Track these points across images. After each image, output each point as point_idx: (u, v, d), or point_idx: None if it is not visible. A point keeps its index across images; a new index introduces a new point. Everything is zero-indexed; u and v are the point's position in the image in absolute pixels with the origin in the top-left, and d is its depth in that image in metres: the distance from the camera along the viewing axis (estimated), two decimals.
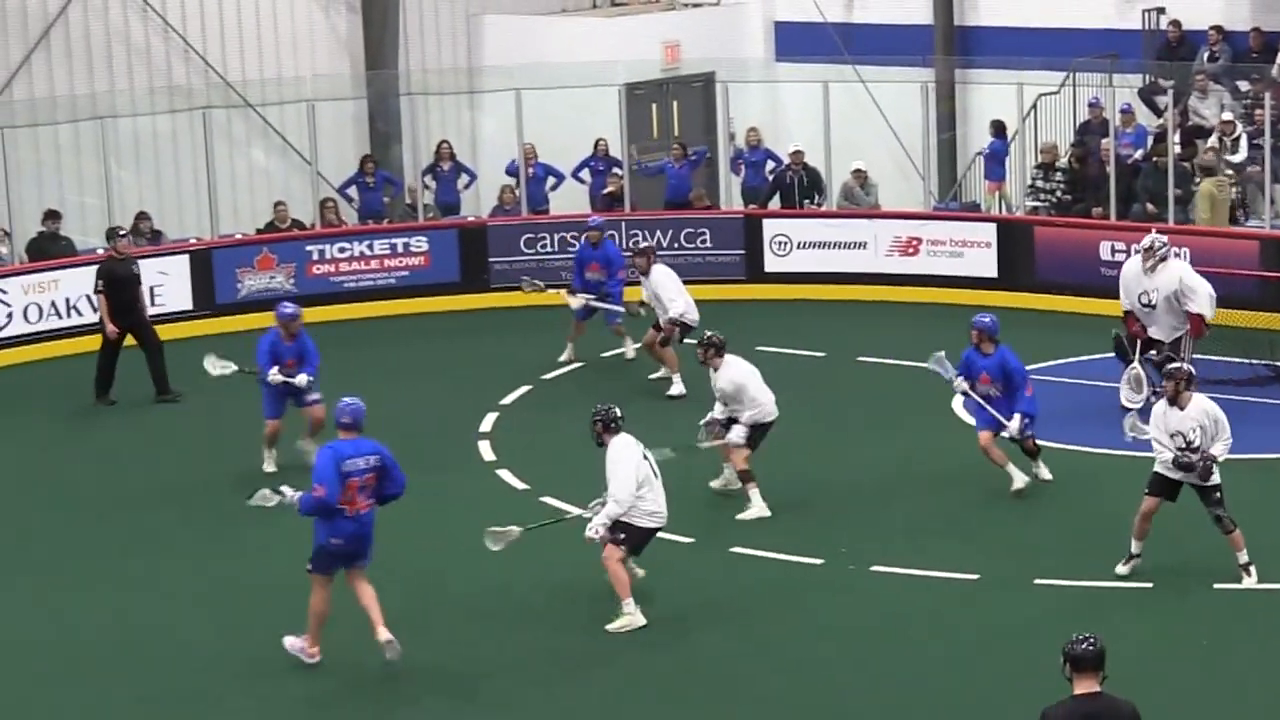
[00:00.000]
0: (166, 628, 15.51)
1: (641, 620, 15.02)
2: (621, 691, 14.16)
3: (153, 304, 24.20)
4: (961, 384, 17.82)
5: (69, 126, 26.94)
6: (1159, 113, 26.91)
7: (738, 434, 17.51)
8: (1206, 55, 27.66)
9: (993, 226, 25.92)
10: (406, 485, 14.34)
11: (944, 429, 19.43)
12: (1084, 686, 9.63)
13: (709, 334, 17.75)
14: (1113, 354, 20.16)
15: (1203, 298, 19.66)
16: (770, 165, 27.84)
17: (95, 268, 22.74)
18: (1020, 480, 17.59)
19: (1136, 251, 20.19)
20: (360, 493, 14.02)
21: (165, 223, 26.88)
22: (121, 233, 23.06)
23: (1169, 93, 26.27)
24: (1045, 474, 17.91)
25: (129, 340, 22.16)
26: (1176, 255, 20.48)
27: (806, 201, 27.11)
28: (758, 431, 17.59)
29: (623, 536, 14.96)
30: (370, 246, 26.24)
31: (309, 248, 26.01)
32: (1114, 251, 24.05)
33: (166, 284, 25.13)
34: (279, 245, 25.95)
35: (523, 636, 15.02)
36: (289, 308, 19.10)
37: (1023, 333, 21.35)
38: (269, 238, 26.23)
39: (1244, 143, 25.54)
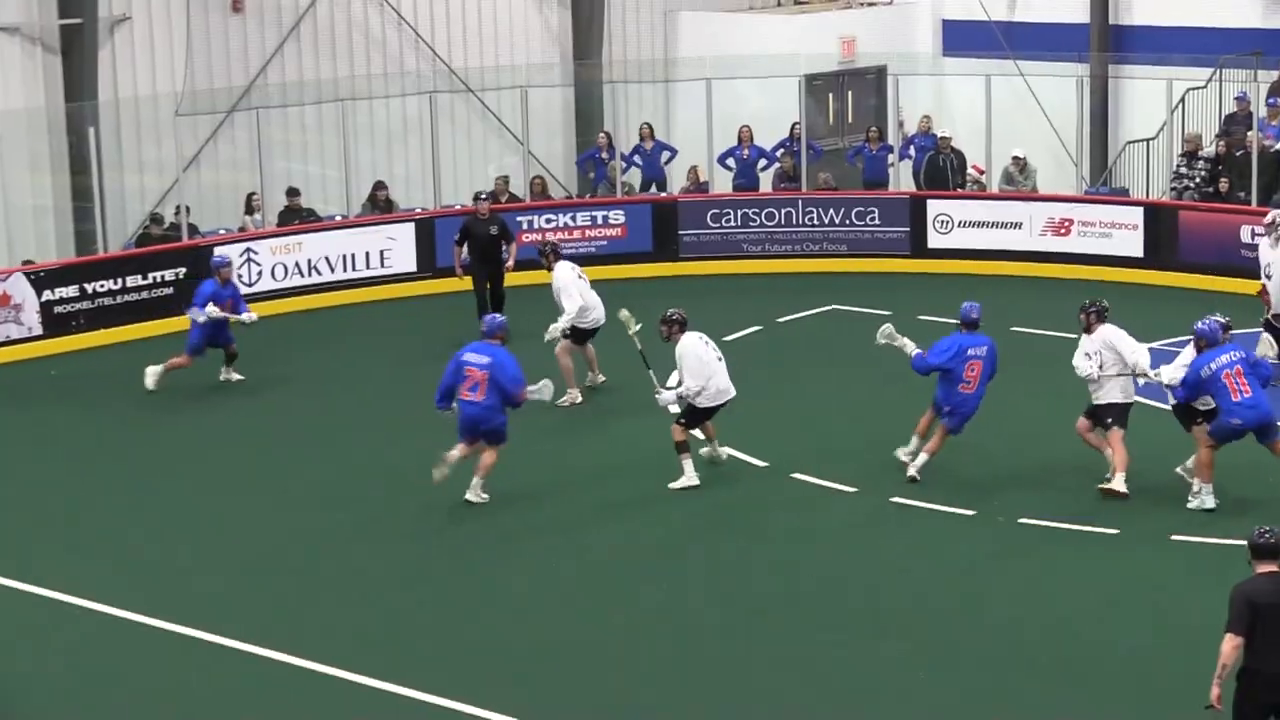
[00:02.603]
0: None
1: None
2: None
3: (382, 266, 25.53)
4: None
5: (314, 108, 27.42)
6: None
7: (664, 398, 17.72)
8: None
9: (1140, 210, 26.00)
10: None
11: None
12: (1264, 567, 10.82)
13: (672, 311, 17.81)
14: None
15: None
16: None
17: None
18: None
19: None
20: None
21: (394, 194, 27.18)
22: (483, 196, 23.83)
23: None
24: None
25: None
26: None
27: (958, 183, 27.07)
28: (699, 412, 17.60)
29: None
30: (574, 217, 26.67)
31: (519, 218, 26.15)
32: (1254, 235, 23.76)
33: (394, 248, 25.86)
34: None
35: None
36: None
37: (1167, 308, 22.01)
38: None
39: None
